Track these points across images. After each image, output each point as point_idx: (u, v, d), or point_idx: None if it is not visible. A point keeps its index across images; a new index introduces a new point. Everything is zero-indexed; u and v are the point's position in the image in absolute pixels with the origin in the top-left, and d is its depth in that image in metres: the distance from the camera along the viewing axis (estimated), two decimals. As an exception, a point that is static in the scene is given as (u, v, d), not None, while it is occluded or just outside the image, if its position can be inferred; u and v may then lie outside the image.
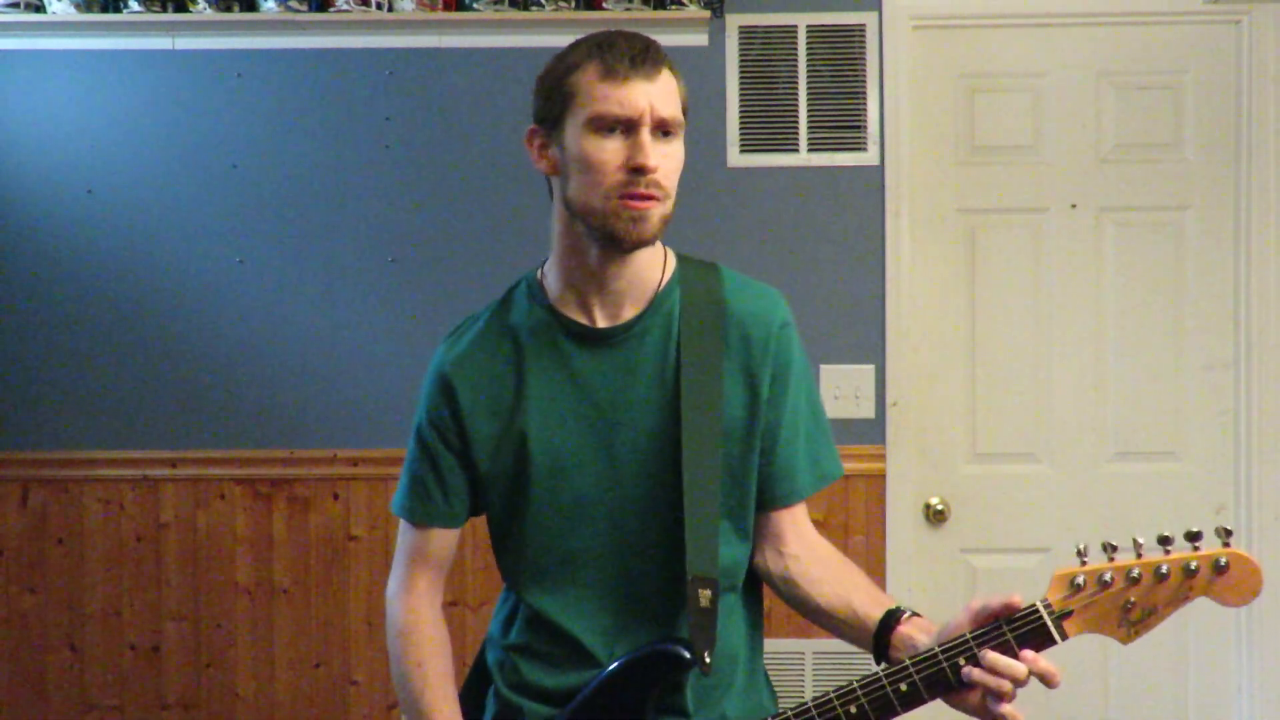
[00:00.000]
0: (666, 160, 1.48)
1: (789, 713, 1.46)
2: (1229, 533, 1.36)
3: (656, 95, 1.46)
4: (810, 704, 1.45)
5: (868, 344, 3.05)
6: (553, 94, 1.50)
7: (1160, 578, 1.34)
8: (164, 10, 3.01)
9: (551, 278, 1.60)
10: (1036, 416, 3.10)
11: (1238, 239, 3.07)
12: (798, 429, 1.60)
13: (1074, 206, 3.09)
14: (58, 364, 3.08)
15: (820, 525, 3.02)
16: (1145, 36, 3.07)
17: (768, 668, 1.70)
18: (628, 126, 1.46)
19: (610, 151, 1.46)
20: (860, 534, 3.05)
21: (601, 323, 1.57)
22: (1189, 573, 1.34)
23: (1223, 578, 1.33)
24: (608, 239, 1.49)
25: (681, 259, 1.62)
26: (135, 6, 3.01)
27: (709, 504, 1.52)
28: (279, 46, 3.05)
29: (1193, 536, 1.35)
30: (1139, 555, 1.35)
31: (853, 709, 1.42)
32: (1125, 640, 1.37)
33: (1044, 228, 3.10)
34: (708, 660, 1.49)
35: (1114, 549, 1.36)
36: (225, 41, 3.04)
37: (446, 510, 1.63)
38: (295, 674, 3.08)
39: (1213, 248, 3.08)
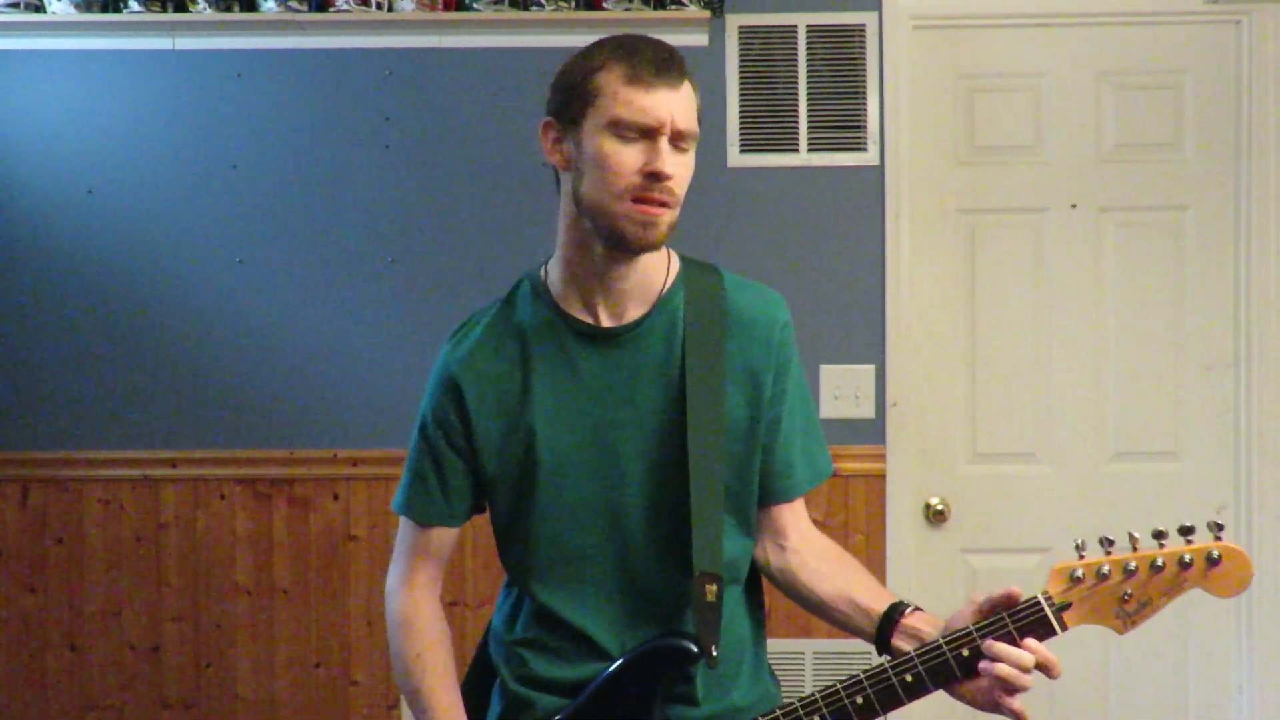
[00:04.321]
0: (680, 169, 1.50)
1: (797, 704, 1.49)
2: (1220, 527, 1.42)
3: (678, 106, 1.48)
4: (817, 695, 1.48)
5: (868, 344, 3.05)
6: (574, 91, 1.50)
7: (1155, 570, 1.40)
8: (164, 10, 3.01)
9: (555, 276, 1.60)
10: (1036, 416, 3.10)
11: (1238, 239, 3.07)
12: (795, 426, 1.63)
13: (1074, 206, 3.09)
14: (58, 364, 3.08)
15: (820, 525, 3.02)
16: (1145, 36, 3.07)
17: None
18: (647, 133, 1.47)
19: (628, 155, 1.47)
20: (860, 534, 3.05)
21: (606, 322, 1.58)
22: (1183, 565, 1.39)
23: (1215, 569, 1.39)
24: (615, 240, 1.50)
25: (685, 261, 1.63)
26: (135, 6, 3.01)
27: (713, 502, 1.55)
28: (279, 46, 3.05)
29: (1186, 531, 1.41)
30: (1134, 549, 1.41)
31: (859, 699, 1.46)
32: (1121, 630, 1.42)
33: (1044, 228, 3.10)
34: (714, 654, 1.53)
35: (1111, 543, 1.42)
36: (225, 41, 3.04)
37: (447, 510, 1.65)
38: (295, 674, 3.08)
39: (1213, 248, 3.08)
